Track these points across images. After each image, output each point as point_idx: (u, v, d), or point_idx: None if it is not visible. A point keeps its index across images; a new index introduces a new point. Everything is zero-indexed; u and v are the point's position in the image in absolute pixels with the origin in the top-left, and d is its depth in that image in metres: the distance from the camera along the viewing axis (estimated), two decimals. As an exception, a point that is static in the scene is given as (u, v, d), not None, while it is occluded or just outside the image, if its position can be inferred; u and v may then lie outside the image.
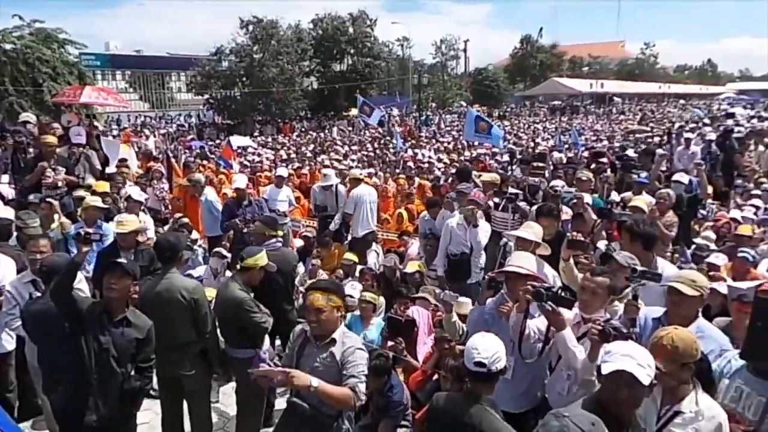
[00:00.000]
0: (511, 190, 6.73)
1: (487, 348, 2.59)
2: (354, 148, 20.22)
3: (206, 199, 8.20)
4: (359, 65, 41.50)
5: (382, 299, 5.65)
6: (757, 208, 8.89)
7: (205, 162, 14.37)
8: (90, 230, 3.79)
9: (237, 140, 19.26)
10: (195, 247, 7.84)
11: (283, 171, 9.80)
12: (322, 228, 8.05)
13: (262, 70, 33.97)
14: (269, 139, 26.30)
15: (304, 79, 39.53)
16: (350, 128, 31.79)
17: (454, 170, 13.20)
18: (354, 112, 29.58)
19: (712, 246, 6.91)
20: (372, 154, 17.76)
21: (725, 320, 4.17)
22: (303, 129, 34.34)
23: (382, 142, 22.60)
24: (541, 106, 48.58)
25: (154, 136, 22.36)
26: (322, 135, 28.02)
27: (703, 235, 7.50)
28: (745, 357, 2.59)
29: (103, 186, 6.92)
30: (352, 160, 15.90)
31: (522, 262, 3.57)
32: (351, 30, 41.47)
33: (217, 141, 25.64)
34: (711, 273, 5.55)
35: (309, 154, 17.82)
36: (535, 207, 6.45)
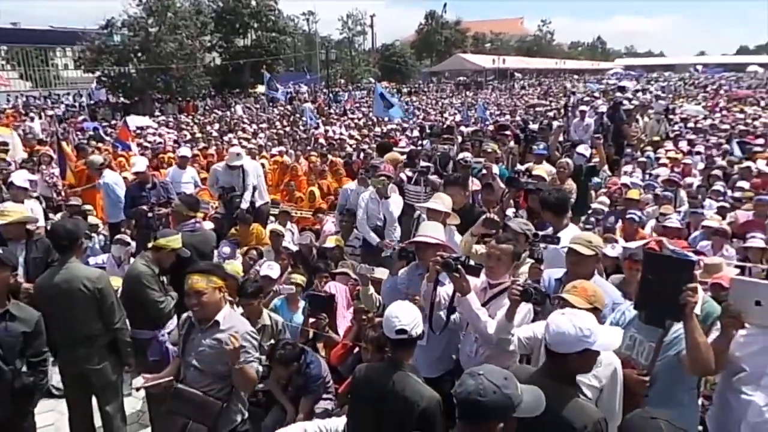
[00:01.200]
0: (422, 163, 6.88)
1: (407, 315, 2.65)
2: (263, 126, 19.68)
3: (105, 182, 7.67)
4: (264, 40, 40.11)
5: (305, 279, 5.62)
6: (648, 174, 9.75)
7: (100, 144, 13.41)
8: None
9: (135, 120, 18.12)
10: (94, 234, 7.38)
11: (185, 151, 9.32)
12: (229, 209, 7.81)
13: (159, 45, 31.89)
14: (171, 119, 24.96)
15: (206, 54, 37.62)
16: (257, 106, 30.86)
17: (365, 146, 13.32)
18: (261, 89, 28.75)
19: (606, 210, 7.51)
20: (282, 131, 17.40)
21: (618, 277, 4.57)
22: (207, 107, 32.82)
23: (292, 119, 22.18)
24: (447, 82, 49.70)
25: (40, 118, 20.51)
26: (228, 113, 26.98)
27: (598, 200, 8.11)
28: (638, 308, 2.85)
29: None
30: (261, 138, 15.49)
31: (431, 231, 3.67)
32: (254, 3, 39.91)
33: (113, 122, 23.95)
34: (606, 235, 6.04)
35: (215, 134, 17.13)
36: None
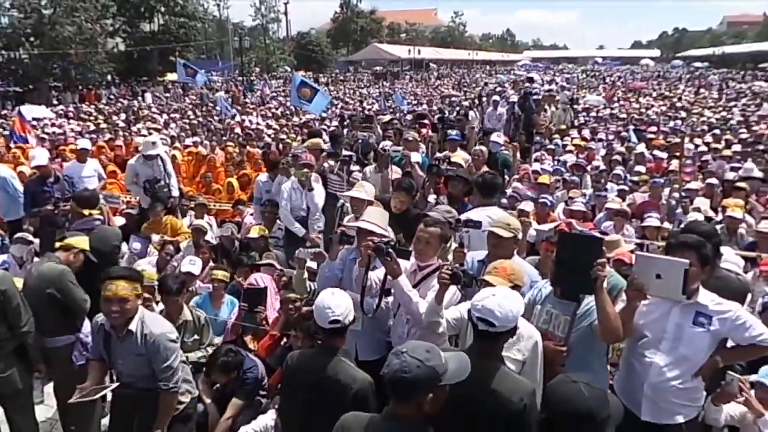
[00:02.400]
0: (344, 152, 6.90)
1: (339, 304, 2.68)
2: (174, 116, 18.81)
3: (0, 176, 7.06)
4: (172, 25, 38.24)
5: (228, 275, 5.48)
6: (556, 160, 10.32)
7: (-10, 136, 12.29)
8: None
9: (30, 110, 16.69)
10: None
11: (85, 143, 8.62)
12: (160, 201, 7.10)
13: (54, 28, 29.51)
14: (71, 109, 23.24)
15: (108, 39, 35.28)
16: (167, 95, 29.43)
17: (284, 136, 13.11)
18: (171, 76, 27.42)
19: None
20: (195, 122, 16.73)
21: (534, 259, 4.84)
22: (112, 96, 30.85)
23: (205, 109, 21.38)
24: (364, 72, 49.75)
25: None
26: (135, 102, 25.53)
27: (513, 186, 8.50)
28: (554, 284, 3.05)
29: None
30: (173, 129, 14.83)
31: (376, 219, 3.69)
32: (160, -15, 37.92)
33: (4, 112, 21.98)
34: (521, 218, 6.35)
35: (122, 124, 16.18)
36: (371, 168, 6.74)
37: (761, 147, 11.65)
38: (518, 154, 10.69)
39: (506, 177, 8.76)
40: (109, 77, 35.21)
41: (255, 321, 4.59)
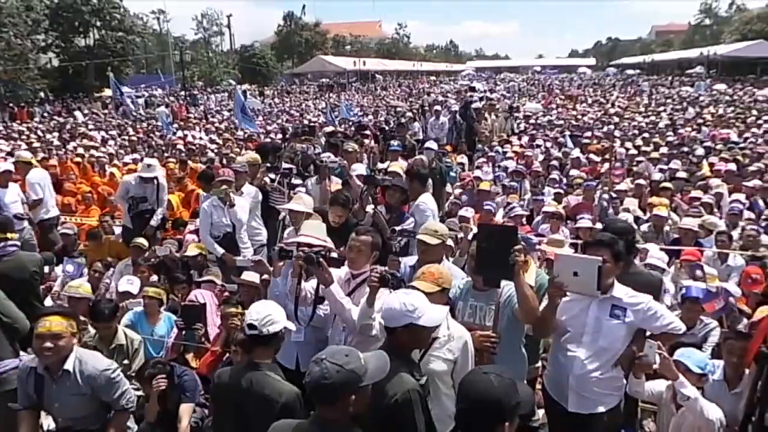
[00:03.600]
0: (284, 165, 6.90)
1: (259, 311, 2.68)
2: (113, 133, 18.25)
3: None
4: (109, 40, 37.07)
5: (163, 293, 5.36)
6: (497, 167, 10.65)
7: None
8: None
9: (-44, 130, 15.84)
10: None
11: (7, 165, 7.84)
12: (138, 224, 6.92)
13: (-21, 44, 28.20)
14: (0, 127, 22.16)
15: (40, 55, 33.92)
16: (105, 111, 28.47)
17: (227, 151, 12.96)
18: (109, 92, 26.58)
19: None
20: (135, 138, 16.30)
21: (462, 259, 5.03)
22: (45, 114, 29.57)
23: (146, 124, 20.84)
24: (310, 84, 49.66)
25: None
26: (71, 119, 24.58)
27: (455, 193, 8.72)
28: (477, 273, 3.20)
29: None
30: (111, 146, 14.41)
31: (313, 231, 3.74)
32: (95, 0, 36.72)
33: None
34: (462, 225, 6.53)
35: (56, 142, 15.56)
36: (312, 180, 6.77)
37: (685, 149, 12.39)
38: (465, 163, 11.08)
39: (449, 185, 9.01)
40: (42, 94, 33.78)
41: (195, 338, 4.53)
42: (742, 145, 13.10)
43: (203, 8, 60.10)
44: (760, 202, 7.92)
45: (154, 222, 6.98)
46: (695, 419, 3.05)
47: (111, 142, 15.53)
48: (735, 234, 6.68)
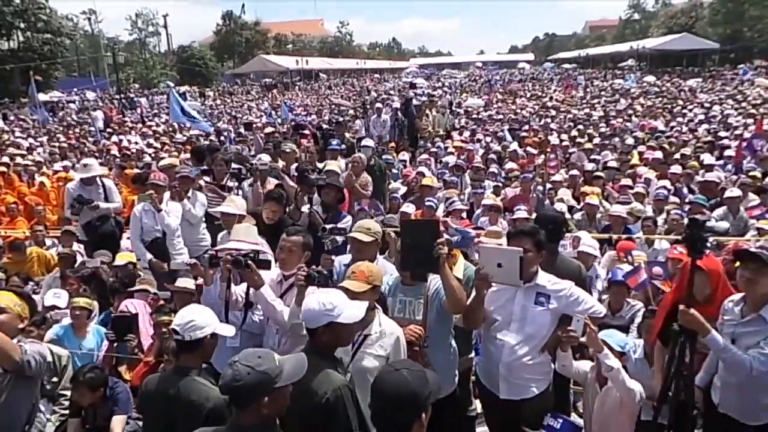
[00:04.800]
0: (233, 165, 6.75)
1: (184, 316, 2.63)
2: (42, 139, 17.37)
3: None
4: (35, 42, 35.25)
5: (95, 303, 5.17)
6: (439, 162, 10.80)
7: None
8: None
9: None
10: None
11: None
12: (90, 233, 6.51)
13: None
14: None
15: (-40, 59, 31.95)
16: (34, 117, 27.04)
17: (166, 155, 12.58)
18: (40, 97, 25.24)
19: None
20: (66, 144, 15.57)
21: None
22: (-32, 121, 27.80)
23: (78, 130, 19.94)
24: (253, 84, 48.84)
25: None
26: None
27: (392, 188, 8.77)
28: (402, 269, 3.25)
29: None
30: (39, 154, 13.73)
31: (242, 235, 3.68)
32: (17, 0, 34.80)
33: None
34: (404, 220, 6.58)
35: (-22, 151, 14.67)
36: (248, 182, 6.66)
37: (617, 139, 12.95)
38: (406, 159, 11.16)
39: (389, 182, 9.05)
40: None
41: (128, 350, 4.39)
42: (668, 133, 13.81)
43: (137, 8, 57.94)
44: (684, 188, 8.36)
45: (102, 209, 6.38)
46: (618, 391, 3.19)
47: (39, 149, 14.79)
48: (660, 219, 7.03)
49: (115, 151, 13.65)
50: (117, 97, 31.99)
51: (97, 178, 6.55)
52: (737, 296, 3.10)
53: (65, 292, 5.17)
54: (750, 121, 14.41)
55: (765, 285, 2.88)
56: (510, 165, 10.13)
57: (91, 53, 48.40)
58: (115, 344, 4.44)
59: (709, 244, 2.99)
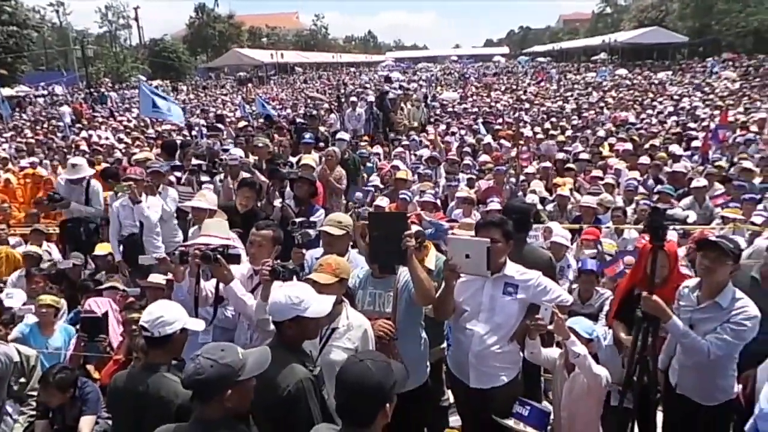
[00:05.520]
0: (193, 161, 6.69)
1: (152, 312, 2.59)
2: (7, 135, 16.92)
3: None
4: (0, 35, 34.20)
5: (63, 301, 5.07)
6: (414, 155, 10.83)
7: None
8: None
9: None
10: None
11: None
12: (68, 234, 6.36)
13: None
14: None
15: None
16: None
17: (136, 150, 12.35)
18: (5, 91, 24.52)
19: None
20: (33, 140, 15.19)
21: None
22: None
23: (47, 125, 19.46)
24: (227, 78, 48.20)
25: None
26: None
27: (371, 183, 8.77)
28: (371, 261, 3.25)
29: None
30: (4, 150, 13.37)
31: (213, 230, 3.64)
32: (-19, -8, 33.71)
33: None
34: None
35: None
36: (221, 176, 6.59)
37: (588, 131, 13.14)
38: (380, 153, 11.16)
39: (364, 175, 9.05)
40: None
41: (99, 350, 4.32)
42: (638, 125, 14.06)
43: (108, 0, 56.50)
44: (650, 180, 8.53)
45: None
46: (585, 377, 3.26)
47: (5, 145, 14.41)
48: (630, 209, 7.16)
49: (84, 146, 13.36)
50: (87, 91, 31.28)
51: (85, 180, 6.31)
52: (692, 282, 3.20)
53: (20, 292, 5.06)
54: (717, 112, 14.75)
55: (722, 273, 2.98)
56: (484, 157, 10.21)
57: (59, 46, 47.22)
58: (84, 344, 4.37)
59: (676, 233, 3.08)
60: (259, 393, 2.20)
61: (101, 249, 5.71)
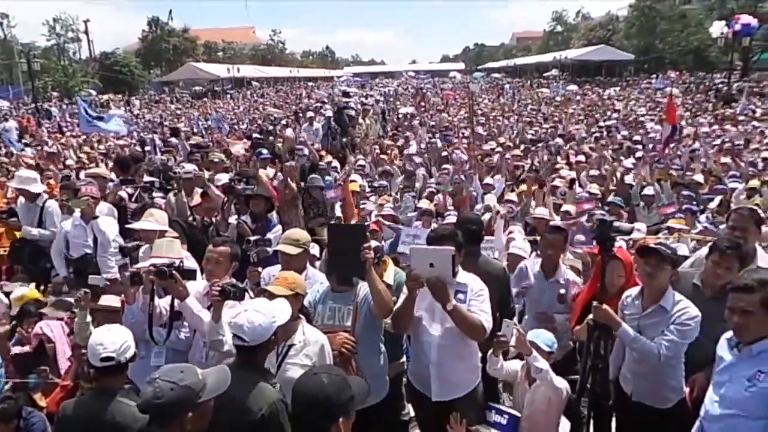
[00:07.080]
0: (145, 178, 6.53)
1: (114, 341, 2.52)
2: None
3: None
4: (-61, 48, 32.75)
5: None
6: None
7: None
8: None
9: None
10: None
11: None
12: (17, 254, 5.85)
13: None
14: None
15: None
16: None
17: (93, 165, 11.96)
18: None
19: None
20: (-25, 157, 14.49)
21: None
22: None
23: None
24: (182, 92, 47.38)
25: None
26: None
27: (329, 197, 8.74)
28: (330, 273, 3.25)
29: None
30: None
31: (165, 251, 3.54)
32: None
33: None
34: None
35: None
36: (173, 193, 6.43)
37: (541, 144, 13.52)
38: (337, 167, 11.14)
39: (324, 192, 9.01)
40: None
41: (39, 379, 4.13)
42: (588, 139, 14.57)
43: (56, 13, 54.80)
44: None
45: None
46: (546, 389, 3.32)
47: (-56, 163, 13.67)
48: (583, 220, 7.36)
49: (30, 162, 12.83)
50: (33, 106, 30.17)
51: (41, 199, 5.77)
52: (633, 291, 3.34)
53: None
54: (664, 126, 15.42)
55: (663, 278, 3.12)
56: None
57: (3, 60, 45.44)
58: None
59: (624, 244, 3.20)
60: (230, 416, 2.16)
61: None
